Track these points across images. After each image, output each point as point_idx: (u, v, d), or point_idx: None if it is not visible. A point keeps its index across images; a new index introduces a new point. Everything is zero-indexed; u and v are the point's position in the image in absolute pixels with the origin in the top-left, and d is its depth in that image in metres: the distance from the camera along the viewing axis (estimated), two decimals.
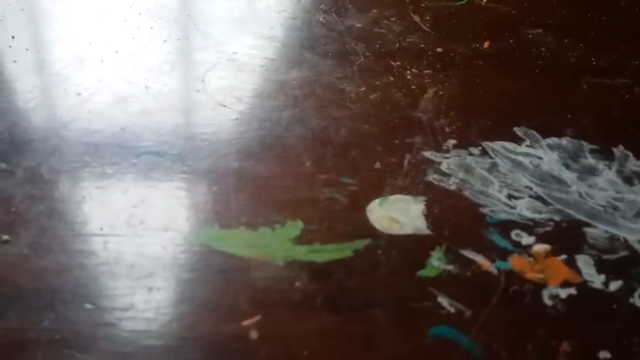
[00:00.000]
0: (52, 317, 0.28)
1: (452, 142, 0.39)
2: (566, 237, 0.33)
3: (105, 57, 0.46)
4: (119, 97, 0.42)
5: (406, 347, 0.27)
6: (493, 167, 0.37)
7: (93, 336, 0.27)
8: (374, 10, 0.55)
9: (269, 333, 0.28)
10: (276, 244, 0.32)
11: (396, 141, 0.39)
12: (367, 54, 0.49)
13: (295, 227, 0.33)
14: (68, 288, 0.29)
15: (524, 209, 0.34)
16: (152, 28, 0.50)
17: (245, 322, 0.28)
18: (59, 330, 0.27)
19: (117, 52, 0.47)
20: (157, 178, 0.36)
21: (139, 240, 0.32)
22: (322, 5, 0.56)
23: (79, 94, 0.42)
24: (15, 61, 0.45)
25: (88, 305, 0.29)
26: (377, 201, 0.34)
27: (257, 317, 0.28)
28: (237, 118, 0.41)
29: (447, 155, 0.38)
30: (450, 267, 0.31)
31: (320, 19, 0.53)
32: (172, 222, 0.33)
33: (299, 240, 0.32)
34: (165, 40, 0.49)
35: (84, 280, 0.30)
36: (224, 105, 0.42)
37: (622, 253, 0.32)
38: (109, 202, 0.34)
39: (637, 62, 0.49)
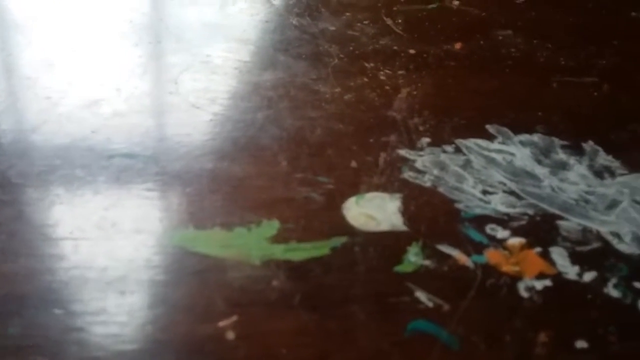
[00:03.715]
0: (20, 323, 0.27)
1: (426, 140, 0.39)
2: (540, 230, 0.33)
3: (75, 60, 0.46)
4: (90, 100, 0.41)
5: (385, 342, 0.27)
6: (467, 164, 0.37)
7: (64, 342, 0.27)
8: (347, 14, 0.55)
9: (246, 333, 0.27)
10: (252, 244, 0.31)
11: (371, 140, 0.39)
12: (341, 55, 0.49)
13: (271, 226, 0.32)
14: (37, 293, 0.28)
15: (498, 203, 0.35)
16: (123, 32, 0.50)
17: (222, 323, 0.28)
18: (28, 336, 0.27)
19: (87, 55, 0.46)
20: (128, 180, 0.35)
21: (110, 243, 0.31)
22: (295, 9, 0.56)
23: (49, 97, 0.41)
24: None
25: (58, 311, 0.28)
26: (353, 199, 0.34)
27: (234, 318, 0.28)
28: (210, 119, 0.41)
29: (421, 153, 0.38)
30: (427, 262, 0.31)
31: (294, 22, 0.53)
32: (144, 224, 0.32)
33: (275, 239, 0.32)
34: (136, 44, 0.48)
35: (54, 285, 0.29)
36: (198, 107, 0.42)
37: (595, 245, 0.32)
38: (79, 205, 0.33)
39: (604, 62, 0.50)
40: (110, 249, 0.31)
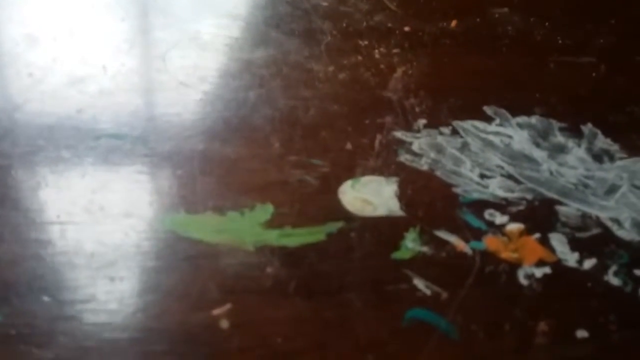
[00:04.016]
0: (6, 311, 0.26)
1: (422, 121, 0.39)
2: (539, 215, 0.33)
3: (58, 36, 0.44)
4: (75, 78, 0.40)
5: (383, 331, 0.27)
6: (464, 147, 0.37)
7: (51, 330, 0.26)
8: None
9: (240, 321, 0.26)
10: (246, 229, 0.30)
11: (366, 121, 0.38)
12: (334, 33, 0.47)
13: (265, 210, 0.31)
14: (23, 280, 0.27)
15: (497, 188, 0.34)
16: (108, 5, 0.48)
17: (215, 311, 0.27)
18: (14, 325, 0.26)
19: (71, 30, 0.44)
20: (117, 162, 0.34)
21: (98, 228, 0.30)
22: None
23: (32, 74, 0.40)
24: None
25: (45, 298, 0.27)
26: (349, 183, 0.34)
27: (228, 306, 0.27)
28: (201, 98, 0.39)
29: (418, 135, 0.37)
30: (424, 249, 0.30)
31: None
32: (134, 208, 0.31)
33: (270, 224, 0.31)
34: (122, 19, 0.47)
35: (41, 272, 0.28)
36: (187, 85, 0.40)
37: (595, 231, 0.32)
38: (65, 187, 0.32)
39: (602, 41, 0.49)
40: (99, 233, 0.30)
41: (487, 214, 0.32)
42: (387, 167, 0.35)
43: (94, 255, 0.29)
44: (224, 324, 0.26)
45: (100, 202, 0.31)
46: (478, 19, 0.51)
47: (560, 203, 0.33)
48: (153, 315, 0.27)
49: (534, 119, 0.40)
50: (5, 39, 0.43)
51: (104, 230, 0.30)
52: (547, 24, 0.51)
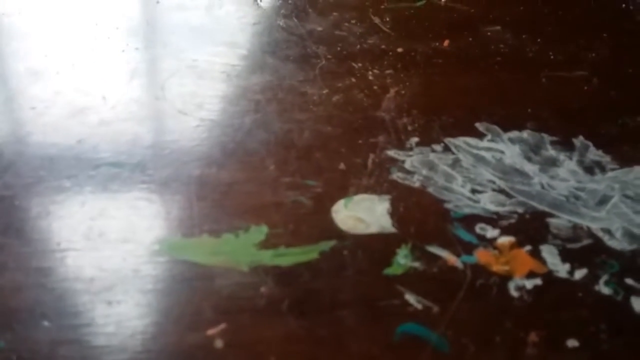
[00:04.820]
0: (8, 337, 0.27)
1: (415, 140, 0.39)
2: (530, 228, 0.33)
3: (61, 69, 0.45)
4: (76, 109, 0.41)
5: (375, 347, 0.27)
6: (456, 163, 0.37)
7: (52, 355, 0.26)
8: (334, 14, 0.55)
9: (234, 341, 0.27)
10: (240, 250, 0.31)
11: (360, 141, 0.39)
12: (329, 56, 0.48)
13: (260, 232, 0.32)
14: (25, 306, 0.28)
15: (488, 202, 0.34)
16: (109, 38, 0.49)
17: (210, 331, 0.27)
18: (16, 350, 0.26)
19: (73, 63, 0.46)
20: (116, 189, 0.35)
21: (98, 254, 0.31)
22: (282, 10, 0.56)
23: (34, 107, 0.41)
24: None
25: (46, 323, 0.28)
26: (342, 202, 0.34)
27: (222, 326, 0.28)
28: (198, 125, 0.40)
29: (410, 153, 0.38)
30: (416, 264, 0.31)
31: (281, 24, 0.53)
32: (132, 234, 0.32)
33: (264, 245, 0.31)
34: (123, 50, 0.48)
35: (42, 298, 0.29)
36: (185, 113, 0.41)
37: (586, 241, 0.32)
38: (66, 216, 0.33)
39: (593, 55, 0.50)
40: (98, 259, 0.31)
41: (478, 228, 0.33)
42: (379, 185, 0.36)
43: (93, 280, 0.30)
44: (219, 343, 0.27)
45: (100, 228, 0.32)
46: (470, 38, 0.52)
47: (552, 215, 0.34)
48: (150, 337, 0.27)
49: (525, 134, 0.40)
50: (10, 74, 0.45)
51: (103, 255, 0.31)
52: (539, 40, 0.52)
